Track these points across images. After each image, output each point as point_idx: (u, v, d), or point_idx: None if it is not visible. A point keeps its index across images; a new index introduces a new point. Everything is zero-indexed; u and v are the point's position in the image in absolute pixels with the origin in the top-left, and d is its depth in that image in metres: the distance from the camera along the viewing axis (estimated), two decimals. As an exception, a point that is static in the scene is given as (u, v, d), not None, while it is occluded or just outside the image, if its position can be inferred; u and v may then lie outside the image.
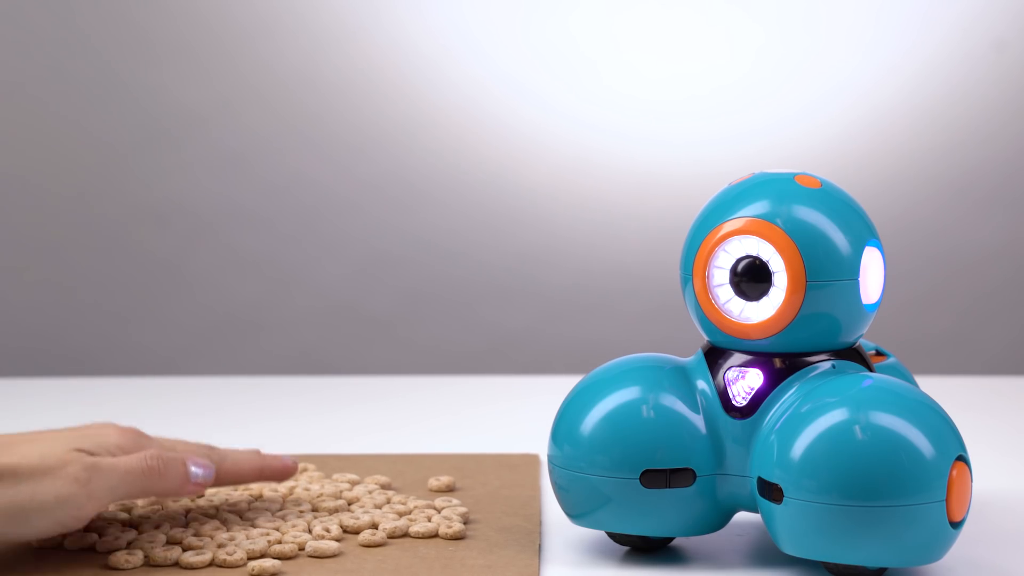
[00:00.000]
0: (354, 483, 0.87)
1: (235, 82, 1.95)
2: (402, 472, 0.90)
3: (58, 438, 0.73)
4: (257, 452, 0.83)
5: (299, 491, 0.85)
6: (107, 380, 1.51)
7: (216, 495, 0.84)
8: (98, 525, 0.77)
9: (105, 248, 1.97)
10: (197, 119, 1.95)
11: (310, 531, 0.78)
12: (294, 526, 0.78)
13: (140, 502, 0.81)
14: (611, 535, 0.77)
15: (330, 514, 0.81)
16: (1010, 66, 1.95)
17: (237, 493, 0.84)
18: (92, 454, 0.72)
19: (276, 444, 1.01)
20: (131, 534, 0.76)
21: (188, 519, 0.79)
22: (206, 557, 0.73)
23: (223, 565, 0.73)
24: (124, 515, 0.79)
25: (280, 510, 0.82)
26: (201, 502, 0.82)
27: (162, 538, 0.76)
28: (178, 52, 1.95)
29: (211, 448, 0.80)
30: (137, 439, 0.75)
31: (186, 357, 1.97)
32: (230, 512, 0.80)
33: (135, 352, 1.97)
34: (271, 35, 1.95)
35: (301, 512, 0.81)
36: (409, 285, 1.97)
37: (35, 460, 0.70)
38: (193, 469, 0.75)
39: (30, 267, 1.97)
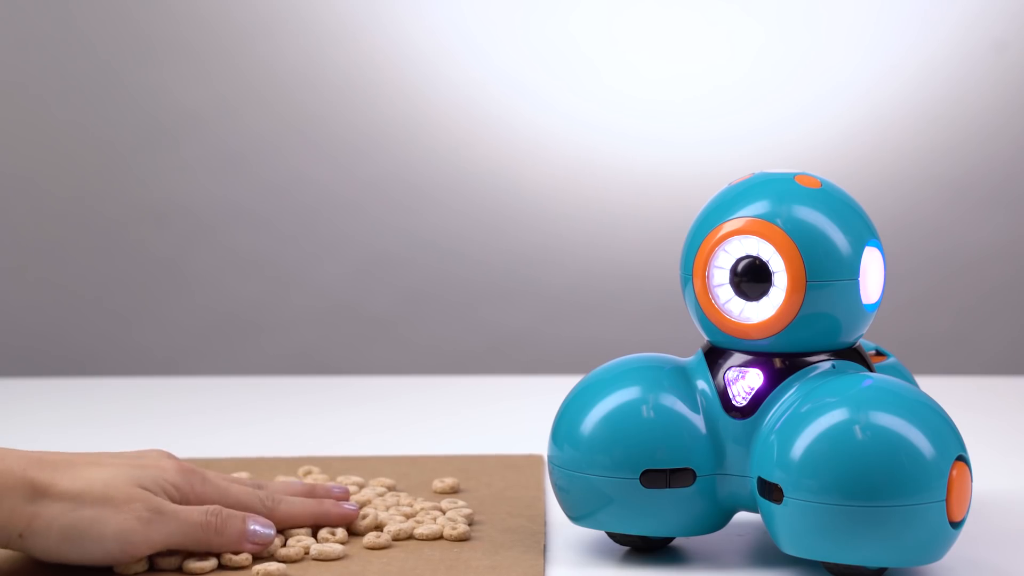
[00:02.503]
0: (361, 485, 0.87)
1: (235, 82, 1.96)
2: (406, 474, 0.91)
3: (118, 466, 0.73)
4: (311, 489, 0.81)
5: None
6: (107, 380, 1.51)
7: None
8: None
9: (105, 248, 1.97)
10: (197, 119, 1.95)
11: (315, 534, 0.78)
12: (299, 528, 0.78)
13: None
14: (611, 535, 0.77)
15: None
16: (1010, 66, 1.95)
17: None
18: (154, 492, 0.73)
19: (276, 444, 1.01)
20: None
21: None
22: (210, 563, 0.73)
23: (229, 565, 0.73)
24: None
25: None
26: None
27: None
28: (178, 52, 1.95)
29: (261, 486, 0.80)
30: (190, 478, 0.75)
31: (186, 357, 1.97)
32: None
33: (135, 352, 1.97)
34: (271, 35, 1.95)
35: None
36: (409, 285, 1.97)
37: (100, 489, 0.71)
38: (253, 527, 0.75)
39: (30, 267, 1.97)
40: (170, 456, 0.77)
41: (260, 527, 0.75)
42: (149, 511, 0.72)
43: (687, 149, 1.95)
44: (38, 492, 0.70)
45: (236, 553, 0.74)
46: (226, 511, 0.74)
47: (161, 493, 0.73)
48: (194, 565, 0.73)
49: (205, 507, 0.74)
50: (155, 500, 0.72)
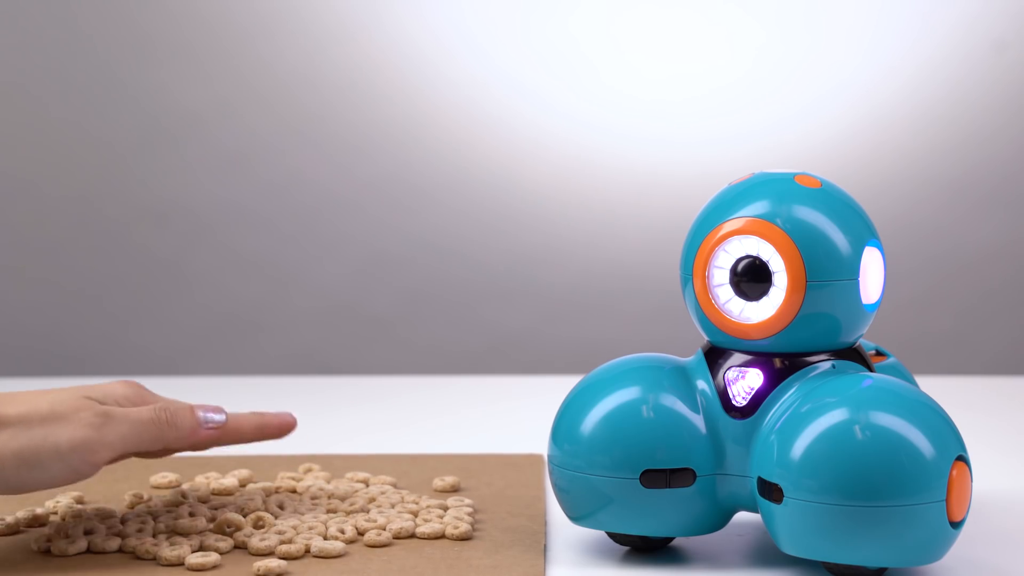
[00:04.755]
0: (367, 481, 0.88)
1: (235, 82, 1.96)
2: (407, 472, 0.91)
3: (64, 389, 0.74)
4: (256, 413, 0.83)
5: (314, 491, 0.85)
6: (107, 380, 1.50)
7: (241, 496, 0.83)
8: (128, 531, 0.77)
9: (105, 248, 1.97)
10: (197, 119, 1.95)
11: (326, 532, 0.78)
12: (311, 527, 0.78)
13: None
14: (611, 535, 0.77)
15: (347, 515, 0.81)
16: (1010, 66, 1.95)
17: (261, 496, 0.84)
18: (101, 403, 0.73)
19: (276, 444, 1.01)
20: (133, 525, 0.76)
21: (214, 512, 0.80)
22: (213, 559, 0.73)
23: (246, 548, 0.75)
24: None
25: (301, 510, 0.82)
26: (227, 501, 0.82)
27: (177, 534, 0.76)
28: (178, 52, 1.95)
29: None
30: (141, 392, 0.76)
31: (186, 357, 1.97)
32: (251, 512, 0.80)
33: (135, 352, 1.97)
34: (271, 35, 1.95)
35: (316, 510, 0.81)
36: (409, 285, 1.97)
37: (46, 408, 0.71)
38: (203, 415, 0.76)
39: (30, 267, 1.97)
40: (118, 380, 0.77)
41: (211, 413, 0.77)
42: (98, 416, 0.72)
43: (687, 149, 1.95)
44: None
45: (198, 451, 0.76)
46: (174, 404, 0.75)
47: (110, 402, 0.74)
48: (196, 560, 0.73)
49: (153, 404, 0.75)
50: (101, 407, 0.73)
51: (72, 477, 0.72)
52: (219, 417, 0.77)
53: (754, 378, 0.73)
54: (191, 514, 0.79)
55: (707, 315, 0.74)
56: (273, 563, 0.72)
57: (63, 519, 0.80)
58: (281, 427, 0.82)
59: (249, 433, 0.80)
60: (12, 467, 0.70)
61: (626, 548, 0.77)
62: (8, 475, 0.70)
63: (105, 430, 0.72)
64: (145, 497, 0.84)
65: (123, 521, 0.79)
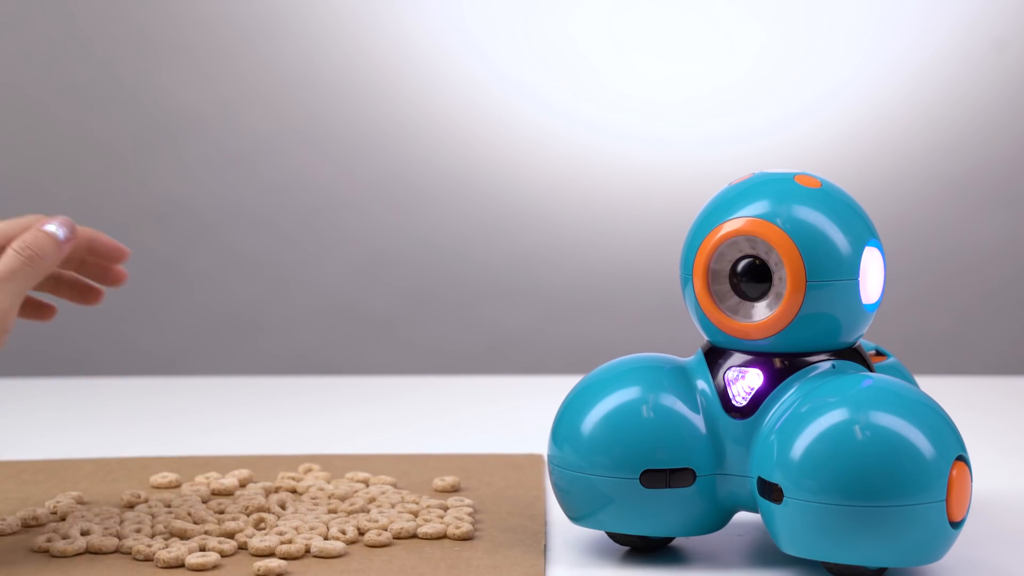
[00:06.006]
0: (367, 481, 0.88)
1: (235, 82, 1.96)
2: (407, 472, 0.91)
3: None
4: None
5: (314, 491, 0.85)
6: (107, 380, 1.50)
7: (241, 497, 0.83)
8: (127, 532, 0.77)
9: (105, 248, 1.96)
10: (197, 119, 1.95)
11: (327, 532, 0.78)
12: (312, 528, 0.78)
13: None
14: (611, 535, 0.77)
15: (348, 515, 0.81)
16: (1010, 66, 1.95)
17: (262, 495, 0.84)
18: None
19: (276, 444, 1.01)
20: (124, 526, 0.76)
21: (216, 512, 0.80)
22: (213, 558, 0.73)
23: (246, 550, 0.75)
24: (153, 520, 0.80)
25: (298, 511, 0.82)
26: (227, 502, 0.82)
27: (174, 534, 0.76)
28: (178, 52, 1.95)
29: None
30: None
31: (186, 357, 1.97)
32: (252, 512, 0.80)
33: (135, 352, 1.97)
34: (271, 35, 1.95)
35: (316, 510, 0.81)
36: (409, 285, 1.97)
37: None
38: (56, 232, 0.75)
39: (30, 267, 1.97)
40: None
41: (57, 226, 0.76)
42: None
43: (687, 149, 1.95)
44: None
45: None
46: (28, 237, 0.74)
47: None
48: (196, 560, 0.73)
49: (9, 250, 0.74)
50: None
51: None
52: (66, 225, 0.76)
53: (754, 378, 0.73)
54: (190, 514, 0.79)
55: (707, 315, 0.74)
56: (273, 563, 0.72)
57: (62, 519, 0.80)
58: (113, 248, 0.81)
59: (80, 241, 0.79)
60: None
61: (626, 548, 0.77)
62: None
63: None
64: (142, 497, 0.84)
65: (121, 521, 0.79)
